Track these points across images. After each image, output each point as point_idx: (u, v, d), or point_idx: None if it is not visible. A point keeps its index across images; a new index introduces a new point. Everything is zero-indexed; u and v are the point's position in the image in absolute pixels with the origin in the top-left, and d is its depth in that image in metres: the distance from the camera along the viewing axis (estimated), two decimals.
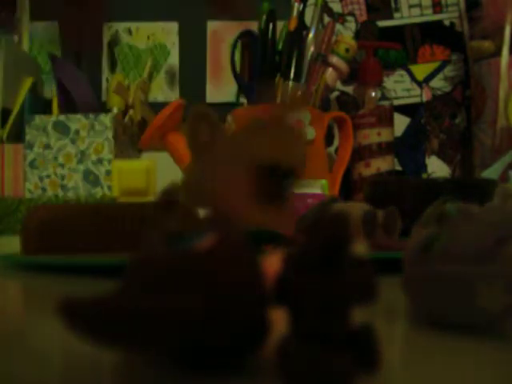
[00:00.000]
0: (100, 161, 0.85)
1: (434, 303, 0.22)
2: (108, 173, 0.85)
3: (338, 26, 0.98)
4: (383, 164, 0.86)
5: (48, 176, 0.86)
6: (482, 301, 0.20)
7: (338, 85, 0.94)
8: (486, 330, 0.20)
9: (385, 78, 0.95)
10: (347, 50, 0.83)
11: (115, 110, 0.97)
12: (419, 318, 0.23)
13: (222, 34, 1.01)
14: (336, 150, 0.91)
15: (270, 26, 0.80)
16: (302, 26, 0.82)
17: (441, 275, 0.21)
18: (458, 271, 0.21)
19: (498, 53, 0.84)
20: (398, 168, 0.95)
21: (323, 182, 0.66)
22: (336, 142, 0.93)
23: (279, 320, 0.16)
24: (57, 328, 0.19)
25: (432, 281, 0.22)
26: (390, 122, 0.87)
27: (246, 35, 0.81)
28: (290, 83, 0.79)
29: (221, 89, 1.01)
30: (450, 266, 0.21)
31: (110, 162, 0.85)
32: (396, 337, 0.22)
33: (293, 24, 0.81)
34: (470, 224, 0.22)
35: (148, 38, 1.05)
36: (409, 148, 0.97)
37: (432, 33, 0.99)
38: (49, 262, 0.40)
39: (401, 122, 0.97)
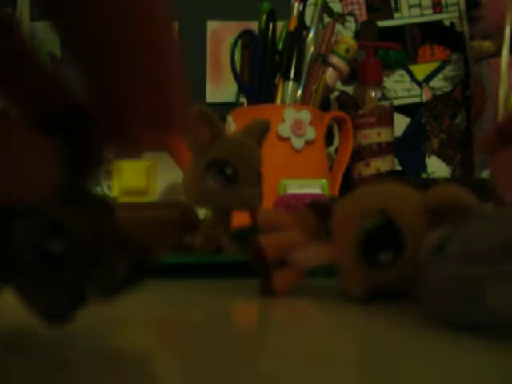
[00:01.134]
0: None
1: (446, 303, 0.22)
2: (108, 172, 0.85)
3: (338, 26, 0.98)
4: (383, 164, 0.86)
5: None
6: (493, 301, 0.19)
7: (338, 85, 0.94)
8: (497, 330, 0.20)
9: (385, 78, 0.95)
10: (347, 50, 0.83)
11: None
12: (431, 318, 0.23)
13: (222, 34, 1.01)
14: (336, 150, 0.91)
15: (270, 25, 0.80)
16: (302, 26, 0.82)
17: (453, 275, 0.21)
18: (469, 271, 0.21)
19: (498, 53, 0.84)
20: (398, 168, 0.95)
21: (323, 181, 0.66)
22: (336, 142, 0.93)
23: None
24: (56, 328, 0.19)
25: (444, 281, 0.22)
26: (389, 122, 0.87)
27: (246, 35, 0.81)
28: (290, 83, 0.79)
29: (221, 89, 1.00)
30: (462, 267, 0.21)
31: (109, 161, 0.85)
32: (408, 337, 0.22)
33: (293, 24, 0.81)
34: (483, 224, 0.22)
35: None
36: (409, 148, 0.97)
37: (432, 33, 0.99)
38: None
39: (401, 122, 0.96)
